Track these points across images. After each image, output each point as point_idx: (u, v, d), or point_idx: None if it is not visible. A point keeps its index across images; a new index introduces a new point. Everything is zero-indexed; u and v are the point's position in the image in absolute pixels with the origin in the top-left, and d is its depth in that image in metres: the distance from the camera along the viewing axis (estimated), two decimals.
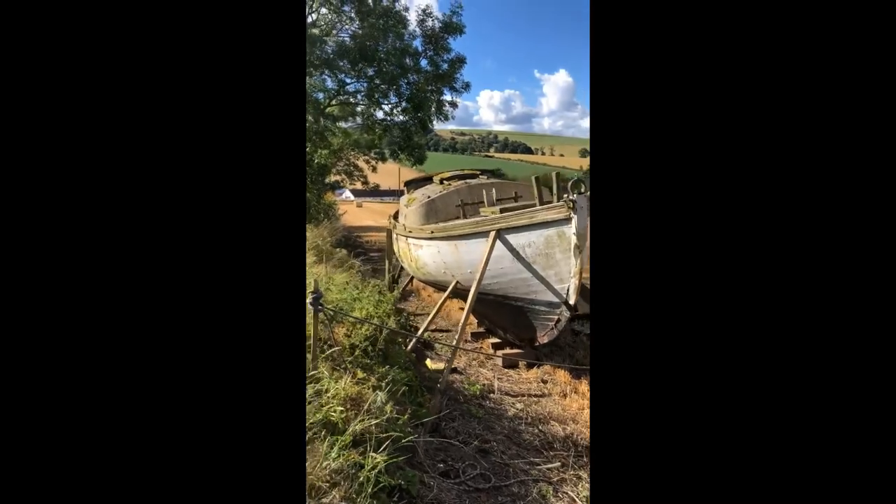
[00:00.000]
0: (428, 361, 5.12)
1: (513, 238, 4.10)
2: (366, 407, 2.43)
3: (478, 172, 7.75)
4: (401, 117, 14.83)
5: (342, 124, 16.49)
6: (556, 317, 4.26)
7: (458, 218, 6.19)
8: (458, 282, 5.08)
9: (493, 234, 4.15)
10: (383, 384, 2.65)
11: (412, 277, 7.54)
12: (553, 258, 3.88)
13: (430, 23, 14.27)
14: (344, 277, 5.21)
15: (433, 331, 6.03)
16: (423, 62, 14.40)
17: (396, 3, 13.93)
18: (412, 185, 7.85)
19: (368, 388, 2.53)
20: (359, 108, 15.17)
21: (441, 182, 7.21)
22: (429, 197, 6.44)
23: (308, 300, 2.53)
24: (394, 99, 14.37)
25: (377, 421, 2.33)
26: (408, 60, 14.03)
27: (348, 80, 14.07)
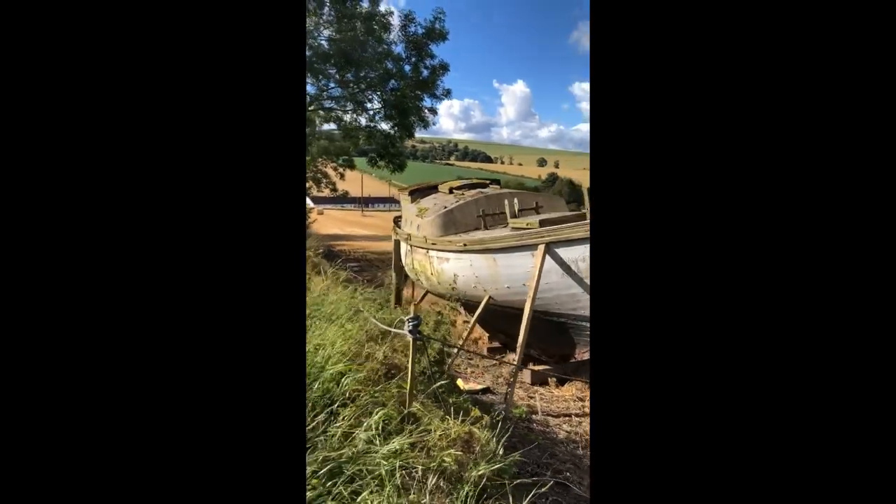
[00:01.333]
0: (459, 381, 4.85)
1: (563, 252, 3.91)
2: (477, 448, 2.15)
3: (487, 182, 7.55)
4: (383, 124, 14.47)
5: (324, 128, 15.96)
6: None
7: (477, 229, 5.96)
8: (490, 297, 4.84)
9: (542, 247, 3.95)
10: (488, 421, 2.37)
11: (427, 292, 7.21)
12: None
13: (412, 28, 14.06)
14: (366, 294, 4.85)
15: (449, 346, 5.76)
16: (406, 68, 14.14)
17: (377, 7, 13.64)
18: (416, 194, 7.55)
19: (480, 427, 2.25)
20: (337, 114, 14.66)
21: (451, 191, 6.96)
22: (445, 207, 6.17)
23: (406, 328, 2.23)
24: (377, 104, 14.01)
25: (497, 466, 2.06)
26: (390, 65, 13.75)
27: (332, 85, 13.60)
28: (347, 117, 14.74)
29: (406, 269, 7.28)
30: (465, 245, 4.86)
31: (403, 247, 7.15)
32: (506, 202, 5.84)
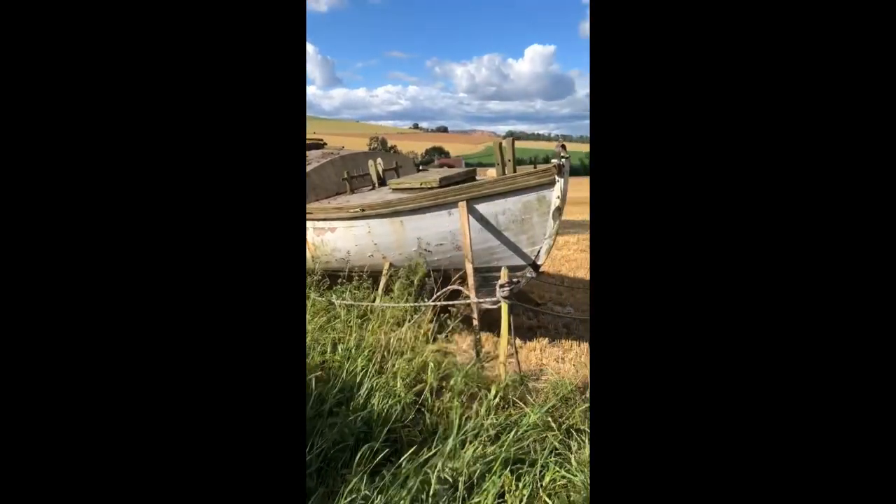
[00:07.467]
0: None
1: (483, 207, 3.95)
2: None
3: (321, 142, 7.14)
4: None
5: None
6: (517, 279, 4.34)
7: (340, 193, 5.61)
8: (391, 263, 4.61)
9: (462, 204, 3.91)
10: None
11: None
12: (529, 223, 3.92)
13: None
14: None
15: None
16: None
17: None
18: None
19: None
20: None
21: None
22: None
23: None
24: None
25: None
26: None
27: None
28: None
29: None
30: (363, 210, 4.48)
31: None
32: (370, 163, 5.63)
